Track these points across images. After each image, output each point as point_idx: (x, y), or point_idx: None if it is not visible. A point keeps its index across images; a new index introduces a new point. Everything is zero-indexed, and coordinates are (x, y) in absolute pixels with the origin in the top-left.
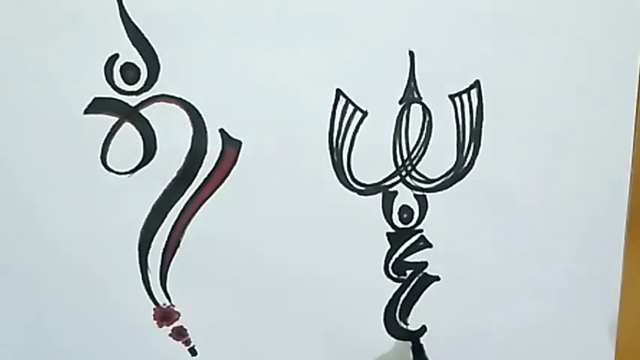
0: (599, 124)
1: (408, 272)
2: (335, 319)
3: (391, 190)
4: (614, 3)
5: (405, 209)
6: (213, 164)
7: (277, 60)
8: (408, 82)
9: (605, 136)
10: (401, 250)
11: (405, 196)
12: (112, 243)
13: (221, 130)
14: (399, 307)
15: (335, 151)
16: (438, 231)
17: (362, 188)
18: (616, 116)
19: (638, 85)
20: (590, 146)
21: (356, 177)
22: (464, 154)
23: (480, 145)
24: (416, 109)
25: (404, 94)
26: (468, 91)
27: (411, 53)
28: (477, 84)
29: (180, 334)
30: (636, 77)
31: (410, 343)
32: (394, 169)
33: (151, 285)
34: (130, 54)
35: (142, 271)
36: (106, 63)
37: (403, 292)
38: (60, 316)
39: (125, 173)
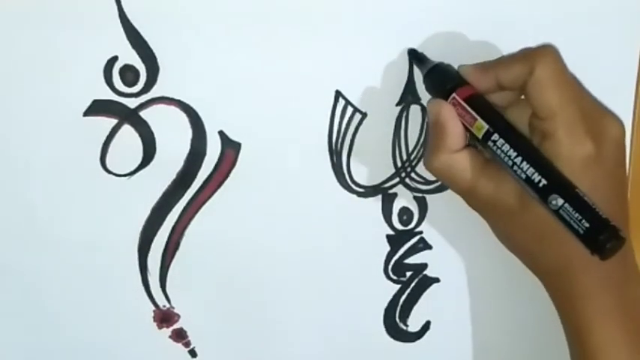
0: None
1: (408, 274)
2: (334, 321)
3: (390, 192)
4: (613, 4)
5: (405, 211)
6: (213, 166)
7: (276, 62)
8: (407, 83)
9: None
10: (401, 252)
11: (404, 198)
12: (112, 245)
13: (220, 132)
14: (398, 308)
15: (334, 153)
16: (438, 233)
17: (361, 190)
18: None
19: (635, 86)
20: None
21: (355, 179)
22: None
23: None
24: (415, 111)
25: (402, 96)
26: None
27: (410, 54)
28: None
29: (180, 335)
30: (634, 77)
31: None
32: (393, 170)
33: (151, 287)
34: (129, 56)
35: (141, 273)
36: (105, 65)
37: (403, 294)
38: (59, 318)
39: (124, 175)
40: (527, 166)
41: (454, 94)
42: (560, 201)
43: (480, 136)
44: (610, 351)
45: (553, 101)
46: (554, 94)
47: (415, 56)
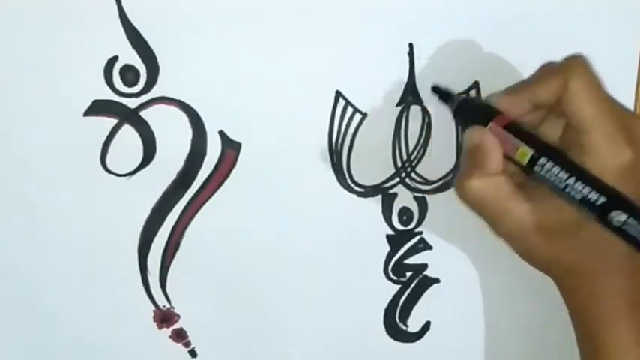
0: None
1: (408, 274)
2: (334, 321)
3: (391, 192)
4: (613, 4)
5: (405, 211)
6: (213, 166)
7: (277, 62)
8: (407, 83)
9: None
10: (401, 252)
11: (404, 198)
12: (112, 245)
13: (220, 132)
14: (398, 308)
15: (334, 153)
16: (438, 233)
17: (362, 190)
18: None
19: (635, 86)
20: None
21: (355, 179)
22: None
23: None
24: (415, 111)
25: (403, 96)
26: (467, 91)
27: (411, 55)
28: (476, 85)
29: (180, 335)
30: (634, 78)
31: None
32: (394, 170)
33: (151, 287)
34: (130, 56)
35: (141, 273)
36: (106, 65)
37: (403, 294)
38: (59, 318)
39: (125, 175)
40: (582, 185)
41: (491, 125)
42: (624, 216)
43: (524, 163)
44: (623, 353)
45: (591, 113)
46: (592, 105)
47: (439, 93)
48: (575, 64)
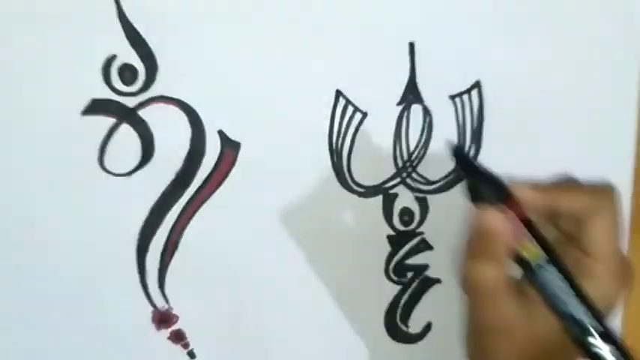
0: (600, 124)
1: (409, 275)
2: (335, 322)
3: (391, 192)
4: (615, 3)
5: (406, 211)
6: (212, 166)
7: (277, 61)
8: (408, 83)
9: (606, 137)
10: (402, 253)
11: (405, 198)
12: (110, 245)
13: (220, 132)
14: (399, 309)
15: (335, 153)
16: (439, 233)
17: (362, 190)
18: (617, 117)
19: (638, 86)
20: (591, 147)
21: (356, 179)
22: None
23: (480, 146)
24: (416, 110)
25: (404, 95)
26: (468, 91)
27: (411, 54)
28: (477, 84)
29: (178, 337)
30: (636, 77)
31: None
32: (394, 170)
33: (149, 287)
34: (128, 55)
35: (140, 273)
36: (104, 64)
37: (404, 295)
38: (57, 319)
39: (123, 175)
40: (580, 304)
41: (506, 207)
42: (606, 347)
43: (531, 261)
44: None
45: (612, 246)
46: (614, 238)
47: (462, 160)
48: (606, 197)
